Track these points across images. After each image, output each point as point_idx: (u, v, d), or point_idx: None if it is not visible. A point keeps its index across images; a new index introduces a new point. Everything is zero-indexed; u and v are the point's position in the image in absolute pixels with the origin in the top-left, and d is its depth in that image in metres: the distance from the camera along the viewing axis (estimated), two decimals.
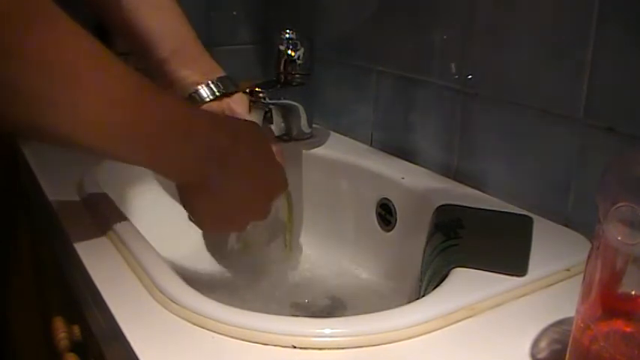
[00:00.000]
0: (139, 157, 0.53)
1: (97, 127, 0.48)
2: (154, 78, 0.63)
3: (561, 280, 0.53)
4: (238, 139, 0.59)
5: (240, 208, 0.61)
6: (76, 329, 0.67)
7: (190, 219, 0.62)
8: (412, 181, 0.73)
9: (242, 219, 0.63)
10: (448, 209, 0.63)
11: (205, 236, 0.79)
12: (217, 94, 0.71)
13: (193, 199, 0.59)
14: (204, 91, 0.71)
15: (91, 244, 0.58)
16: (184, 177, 0.57)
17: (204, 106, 0.71)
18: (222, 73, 0.73)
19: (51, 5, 0.45)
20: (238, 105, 0.73)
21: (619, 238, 0.34)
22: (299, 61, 0.82)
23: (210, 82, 0.71)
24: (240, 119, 0.69)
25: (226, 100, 0.72)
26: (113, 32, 0.72)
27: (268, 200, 0.63)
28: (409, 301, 0.49)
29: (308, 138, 0.88)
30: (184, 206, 0.60)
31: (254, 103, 0.78)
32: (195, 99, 0.71)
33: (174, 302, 0.48)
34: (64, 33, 0.46)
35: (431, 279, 0.56)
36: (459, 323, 0.47)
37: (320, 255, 0.81)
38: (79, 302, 0.60)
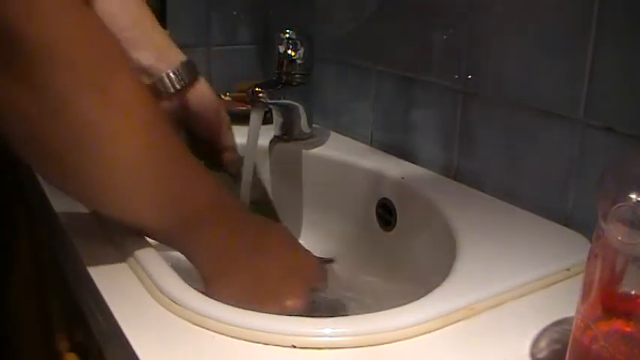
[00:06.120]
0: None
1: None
2: None
3: (561, 280, 0.53)
4: (268, 231, 0.59)
5: (270, 290, 0.56)
6: (76, 329, 0.67)
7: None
8: (412, 181, 0.73)
9: (274, 301, 0.56)
10: None
11: None
12: (182, 84, 0.67)
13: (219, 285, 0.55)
14: (168, 81, 0.66)
15: (92, 244, 0.57)
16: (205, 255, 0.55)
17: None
18: (181, 57, 0.68)
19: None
20: (201, 102, 0.69)
21: (619, 238, 0.34)
22: (299, 61, 0.82)
23: (172, 71, 0.67)
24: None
25: (187, 96, 0.68)
26: None
27: (304, 285, 0.58)
28: (409, 301, 0.49)
29: (308, 138, 0.88)
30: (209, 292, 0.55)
31: (254, 103, 0.78)
32: (158, 90, 0.66)
33: (174, 302, 0.48)
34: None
35: None
36: (459, 323, 0.47)
37: (319, 254, 0.81)
38: (79, 302, 0.60)
